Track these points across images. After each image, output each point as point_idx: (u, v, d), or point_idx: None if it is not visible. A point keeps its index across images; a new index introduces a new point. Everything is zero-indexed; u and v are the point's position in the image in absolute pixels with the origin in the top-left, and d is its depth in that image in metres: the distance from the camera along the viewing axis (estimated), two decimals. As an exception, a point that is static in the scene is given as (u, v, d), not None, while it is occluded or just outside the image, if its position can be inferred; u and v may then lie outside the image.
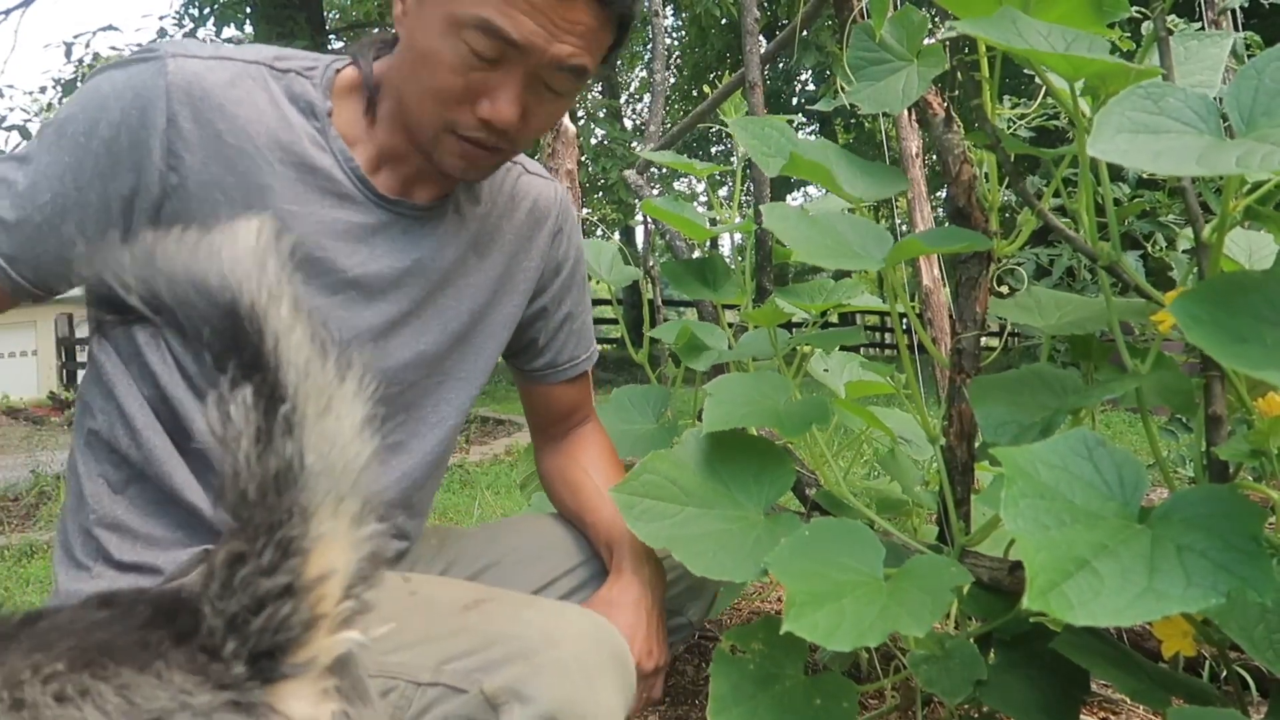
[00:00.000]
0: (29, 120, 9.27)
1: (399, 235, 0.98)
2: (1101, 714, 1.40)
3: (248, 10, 9.70)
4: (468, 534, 1.23)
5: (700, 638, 1.78)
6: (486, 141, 0.91)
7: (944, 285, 2.68)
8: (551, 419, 1.26)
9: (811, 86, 16.49)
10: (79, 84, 9.38)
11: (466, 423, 1.17)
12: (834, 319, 1.65)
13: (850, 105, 1.22)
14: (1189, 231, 0.90)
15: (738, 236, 1.68)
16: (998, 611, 1.01)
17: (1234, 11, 2.91)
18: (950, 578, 0.87)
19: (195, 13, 10.12)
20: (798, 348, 1.52)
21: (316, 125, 0.93)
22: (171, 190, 0.88)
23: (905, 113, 2.75)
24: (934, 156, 1.14)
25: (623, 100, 16.26)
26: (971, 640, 1.01)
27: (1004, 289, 1.36)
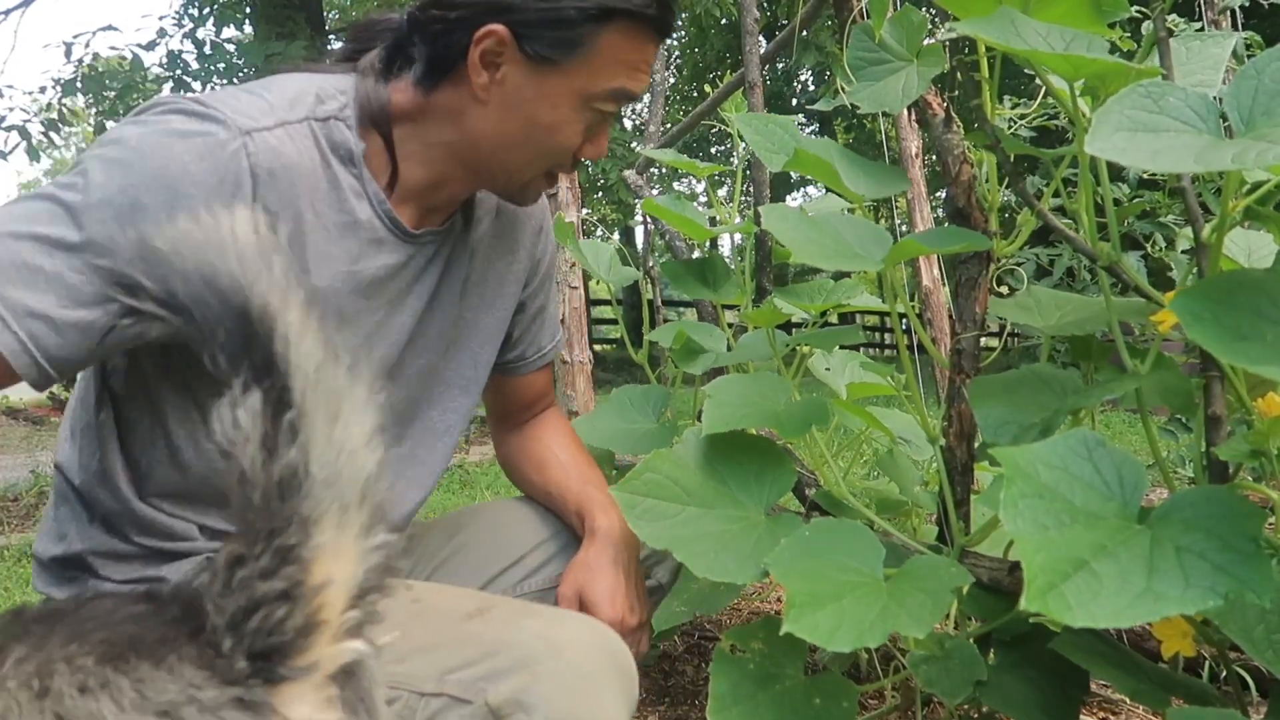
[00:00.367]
0: (28, 120, 9.27)
1: (421, 265, 1.00)
2: (1101, 714, 1.40)
3: (247, 10, 9.69)
4: (430, 526, 1.24)
5: (700, 638, 1.78)
6: (565, 170, 0.99)
7: (944, 285, 2.68)
8: (516, 407, 1.26)
9: (811, 87, 16.49)
10: (78, 85, 9.38)
11: (467, 423, 1.18)
12: (833, 319, 1.65)
13: (850, 105, 1.22)
14: (1189, 232, 0.90)
15: (738, 237, 1.68)
16: (997, 612, 1.01)
17: (1234, 11, 2.91)
18: (950, 578, 0.87)
19: (195, 13, 10.11)
20: (797, 348, 1.52)
21: (354, 172, 0.92)
22: None
23: (905, 113, 2.75)
24: (934, 157, 1.14)
25: (623, 100, 16.23)
26: (971, 640, 1.01)
27: (1004, 289, 1.37)
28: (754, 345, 1.44)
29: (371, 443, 0.52)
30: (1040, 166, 4.99)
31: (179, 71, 9.92)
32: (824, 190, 1.21)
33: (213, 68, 9.82)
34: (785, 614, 0.81)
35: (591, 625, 0.88)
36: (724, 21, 12.98)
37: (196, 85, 9.94)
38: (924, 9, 1.16)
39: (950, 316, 1.24)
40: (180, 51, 9.94)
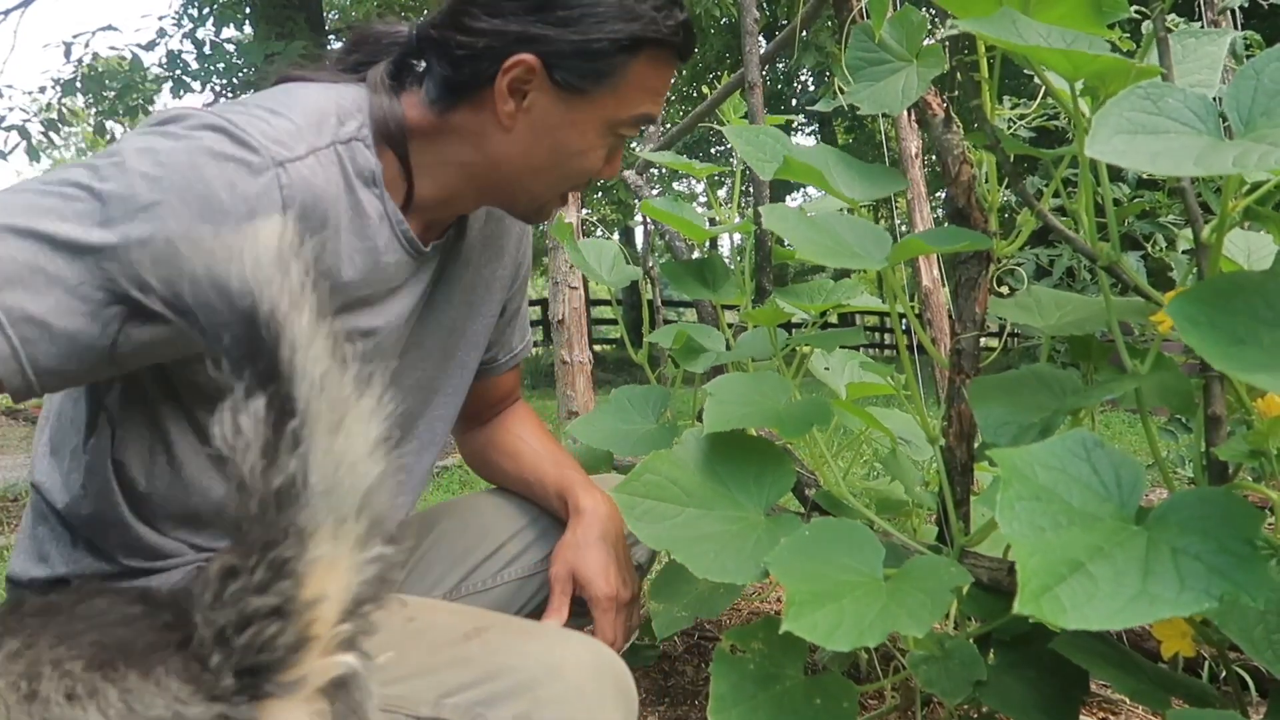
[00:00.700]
0: (28, 120, 9.27)
1: (424, 278, 1.00)
2: (1101, 714, 1.40)
3: (247, 10, 9.69)
4: (407, 522, 1.23)
5: (700, 638, 1.78)
6: (580, 189, 1.02)
7: (943, 286, 2.68)
8: (484, 406, 1.26)
9: (811, 87, 16.48)
10: (78, 84, 9.38)
11: (451, 428, 1.19)
12: (833, 319, 1.65)
13: (850, 106, 1.22)
14: (1188, 232, 0.90)
15: (737, 237, 1.68)
16: (997, 612, 1.01)
17: (1234, 11, 2.90)
18: (950, 578, 0.87)
19: (195, 13, 10.11)
20: (797, 348, 1.52)
21: (376, 193, 0.91)
22: None
23: (905, 113, 2.75)
24: (933, 157, 1.15)
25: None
26: (971, 641, 1.01)
27: (1003, 289, 1.37)
28: (754, 343, 1.44)
29: (374, 454, 0.51)
30: (1040, 167, 4.99)
31: (179, 71, 9.93)
32: (823, 191, 1.21)
33: (212, 68, 9.83)
34: (785, 613, 0.81)
35: (591, 646, 0.87)
36: (724, 22, 12.97)
37: (196, 85, 9.95)
38: (924, 9, 1.16)
39: (950, 317, 1.24)
40: (180, 51, 9.96)
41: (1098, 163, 0.90)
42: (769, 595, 2.02)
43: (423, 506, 1.27)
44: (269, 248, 0.52)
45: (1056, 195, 1.16)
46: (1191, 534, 0.67)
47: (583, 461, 1.39)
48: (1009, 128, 1.30)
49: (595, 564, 1.07)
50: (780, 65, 15.16)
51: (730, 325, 1.63)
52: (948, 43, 1.20)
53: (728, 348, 1.54)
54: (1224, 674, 1.00)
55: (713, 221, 1.70)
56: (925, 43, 1.12)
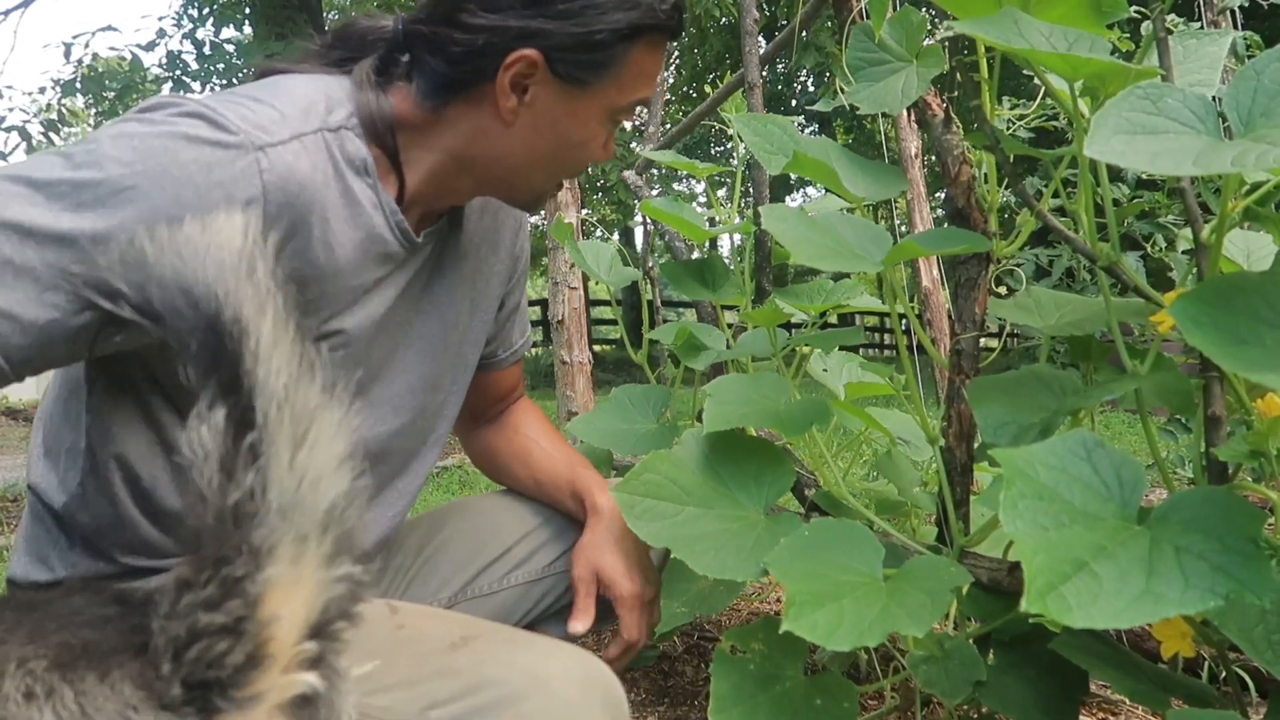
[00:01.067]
0: (28, 121, 9.28)
1: (414, 267, 0.99)
2: (1101, 715, 1.40)
3: (247, 11, 9.70)
4: (414, 524, 1.23)
5: (700, 638, 1.78)
6: (576, 176, 1.02)
7: (943, 286, 2.68)
8: (488, 403, 1.25)
9: (811, 88, 16.48)
10: (78, 85, 9.39)
11: (452, 426, 1.18)
12: (833, 319, 1.65)
13: (849, 106, 1.22)
14: (1188, 232, 0.90)
15: (737, 237, 1.68)
16: (997, 612, 1.01)
17: (1234, 11, 2.91)
18: (950, 578, 0.87)
19: (195, 13, 10.11)
20: (797, 348, 1.52)
21: (369, 183, 0.89)
22: None
23: (904, 113, 2.75)
24: (933, 157, 1.15)
25: (622, 101, 16.23)
26: (970, 641, 1.01)
27: (1003, 290, 1.37)
28: (754, 343, 1.44)
29: (341, 469, 0.50)
30: (1040, 167, 4.99)
31: (178, 72, 9.93)
32: (824, 190, 1.21)
33: (212, 68, 9.84)
34: (785, 613, 0.81)
35: (579, 657, 0.86)
36: (723, 22, 12.97)
37: (196, 85, 9.96)
38: (923, 9, 1.16)
39: (950, 317, 1.24)
40: (180, 52, 9.97)
41: (1097, 163, 0.90)
42: (769, 595, 2.02)
43: (423, 507, 1.27)
44: (233, 249, 0.50)
45: (1056, 195, 1.16)
46: (1194, 533, 0.67)
47: (582, 462, 1.39)
48: (1008, 128, 1.30)
49: (617, 563, 1.07)
50: (780, 66, 15.16)
51: (730, 325, 1.63)
52: (947, 43, 1.20)
53: (728, 348, 1.54)
54: (1224, 674, 1.00)
55: (712, 222, 1.70)
56: (925, 43, 1.12)
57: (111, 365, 0.87)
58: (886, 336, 14.36)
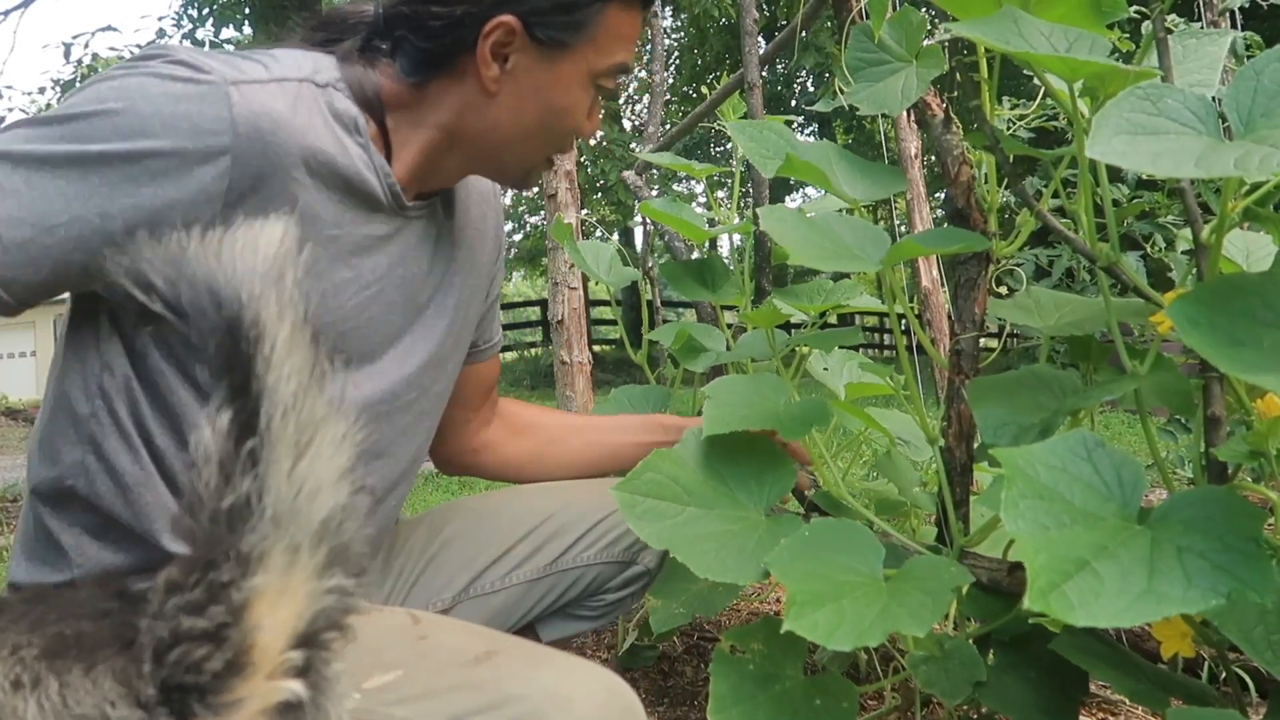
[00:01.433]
0: (28, 121, 9.25)
1: (411, 237, 0.99)
2: (1100, 715, 1.40)
3: (246, 10, 9.70)
4: (415, 522, 1.23)
5: (699, 638, 1.78)
6: (566, 151, 1.03)
7: (943, 287, 2.68)
8: (479, 398, 1.25)
9: (811, 88, 16.49)
10: (78, 85, 9.37)
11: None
12: (833, 319, 1.65)
13: (849, 106, 1.22)
14: (1188, 232, 0.90)
15: (737, 238, 1.68)
16: (997, 613, 1.01)
17: (1234, 12, 2.91)
18: (950, 578, 0.87)
19: (194, 13, 10.11)
20: (796, 349, 1.52)
21: (360, 142, 0.90)
22: (218, 219, 0.81)
23: (904, 114, 2.75)
24: (933, 157, 1.15)
25: (621, 101, 16.28)
26: (970, 641, 1.01)
27: (1003, 290, 1.37)
28: (754, 344, 1.44)
29: (340, 482, 0.50)
30: (1039, 167, 4.99)
31: (178, 72, 9.93)
32: (823, 191, 1.21)
33: (212, 68, 9.84)
34: (786, 612, 0.81)
35: (598, 675, 0.85)
36: (723, 22, 12.98)
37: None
38: (923, 9, 1.16)
39: (949, 317, 1.24)
40: (179, 52, 9.95)
41: (1097, 163, 0.90)
42: (768, 596, 2.02)
43: (422, 507, 1.27)
44: (267, 254, 0.50)
45: (1056, 196, 1.16)
46: (1195, 532, 0.67)
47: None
48: (1008, 128, 1.30)
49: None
50: (780, 66, 15.17)
51: (730, 326, 1.63)
52: (947, 43, 1.20)
53: (727, 349, 1.54)
54: (1224, 675, 1.00)
55: (712, 222, 1.70)
56: (925, 43, 1.12)
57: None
58: (886, 337, 14.37)
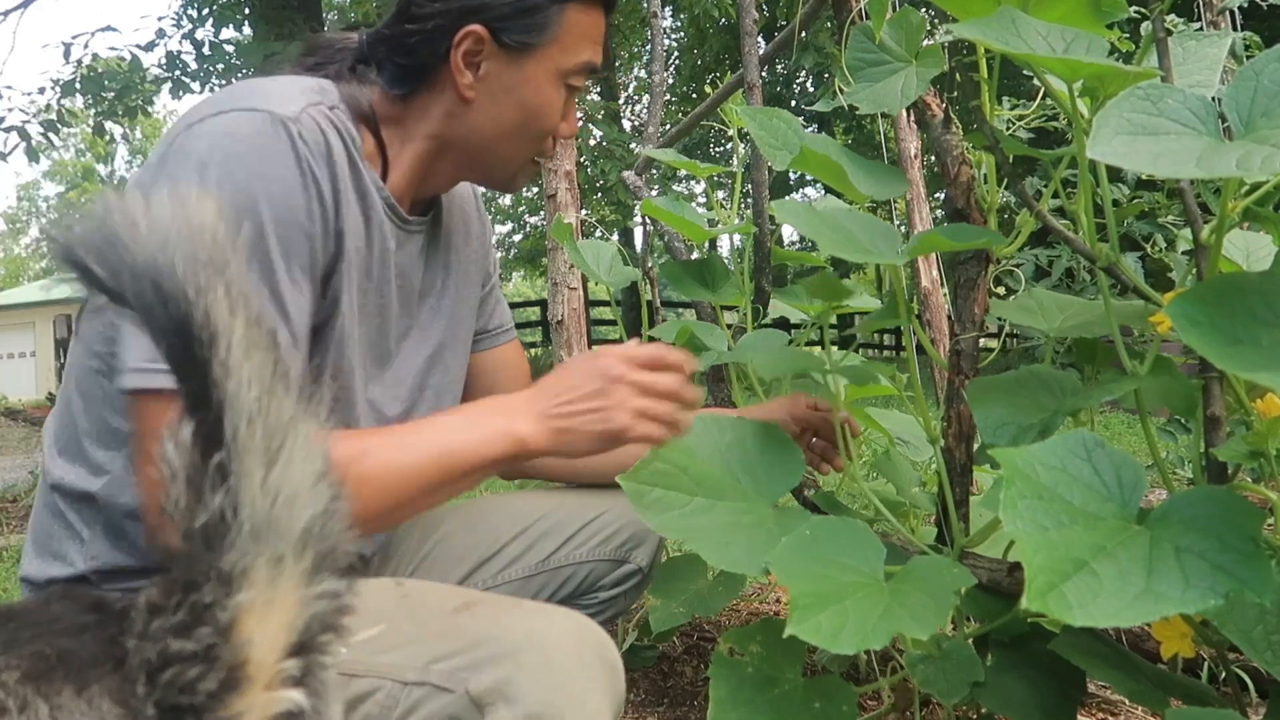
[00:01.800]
0: (27, 121, 9.25)
1: (413, 251, 1.05)
2: (1100, 715, 1.40)
3: (246, 11, 9.68)
4: (411, 525, 1.23)
5: (699, 639, 1.78)
6: (547, 154, 1.07)
7: (942, 287, 2.68)
8: (512, 385, 1.25)
9: (810, 88, 16.48)
10: (77, 85, 9.36)
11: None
12: (831, 320, 1.65)
13: (849, 106, 1.22)
14: (1188, 233, 0.90)
15: (737, 238, 1.68)
16: (996, 613, 1.01)
17: (1233, 12, 2.91)
18: (952, 579, 0.86)
19: (194, 13, 10.09)
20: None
21: (364, 161, 0.96)
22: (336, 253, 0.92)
23: (904, 114, 2.75)
24: (932, 158, 1.14)
25: (621, 102, 16.27)
26: (969, 641, 1.01)
27: (1002, 290, 1.37)
28: (754, 344, 1.44)
29: (318, 485, 0.47)
30: (1039, 167, 4.99)
31: (178, 72, 9.91)
32: (823, 192, 1.21)
33: (211, 68, 9.82)
34: (789, 616, 0.80)
35: (575, 618, 0.87)
36: (723, 22, 12.98)
37: (195, 86, 9.94)
38: (923, 10, 1.16)
39: (949, 317, 1.24)
40: (179, 52, 9.94)
41: (1097, 163, 0.90)
42: (768, 596, 2.02)
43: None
44: (203, 239, 0.46)
45: (1055, 196, 1.16)
46: (1194, 532, 0.67)
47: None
48: (1008, 128, 1.30)
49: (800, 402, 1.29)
50: (779, 66, 15.17)
51: (729, 326, 1.63)
52: (946, 43, 1.20)
53: (728, 349, 1.54)
54: (1223, 675, 1.00)
55: (712, 222, 1.70)
56: (924, 43, 1.12)
57: None
58: (886, 337, 14.36)
